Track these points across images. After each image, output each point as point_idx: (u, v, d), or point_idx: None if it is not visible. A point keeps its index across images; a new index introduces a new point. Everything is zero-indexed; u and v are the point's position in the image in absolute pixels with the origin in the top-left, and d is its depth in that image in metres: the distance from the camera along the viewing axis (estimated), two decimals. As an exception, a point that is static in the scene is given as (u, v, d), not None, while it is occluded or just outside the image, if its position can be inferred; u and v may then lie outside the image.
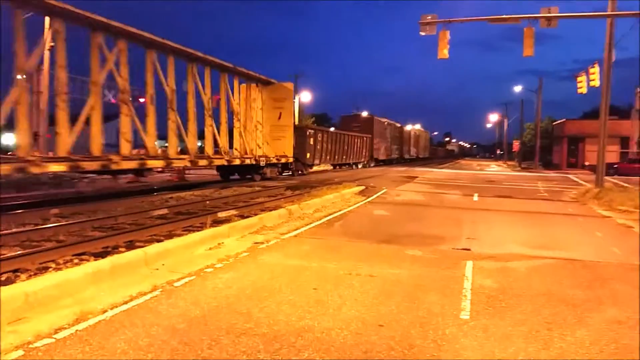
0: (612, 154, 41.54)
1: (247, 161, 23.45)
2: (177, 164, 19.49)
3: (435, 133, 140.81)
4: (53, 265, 7.12)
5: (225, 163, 21.89)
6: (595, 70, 24.05)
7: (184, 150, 19.90)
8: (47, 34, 13.69)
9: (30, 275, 6.51)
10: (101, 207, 12.81)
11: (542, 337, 4.91)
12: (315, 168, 34.69)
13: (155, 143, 17.77)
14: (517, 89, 62.59)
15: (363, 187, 20.83)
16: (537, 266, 7.95)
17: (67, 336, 4.64)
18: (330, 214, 13.39)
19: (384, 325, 5.15)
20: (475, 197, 19.15)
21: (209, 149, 20.89)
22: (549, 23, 18.36)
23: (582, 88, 26.54)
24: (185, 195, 16.66)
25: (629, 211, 14.67)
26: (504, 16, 19.29)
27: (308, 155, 32.09)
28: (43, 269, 6.89)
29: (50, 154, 15.19)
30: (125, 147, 15.68)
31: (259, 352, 4.39)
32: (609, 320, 5.44)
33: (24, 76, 12.36)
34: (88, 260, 7.22)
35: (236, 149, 23.90)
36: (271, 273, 7.11)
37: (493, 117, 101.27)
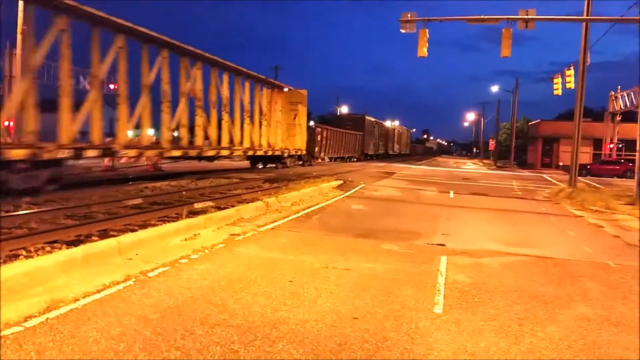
0: (585, 155, 42.41)
1: (271, 152, 29.15)
2: (236, 153, 25.58)
3: (414, 130, 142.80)
4: (24, 252, 6.96)
5: (262, 154, 28.16)
6: (571, 72, 24.51)
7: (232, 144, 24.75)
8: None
9: (0, 263, 6.36)
10: (74, 196, 12.57)
11: (513, 332, 5.00)
12: (315, 161, 38.83)
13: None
14: (494, 89, 63.62)
15: (341, 182, 20.87)
16: (510, 263, 8.08)
17: (37, 324, 4.55)
18: (307, 208, 13.39)
19: (359, 318, 5.18)
20: (451, 194, 19.36)
21: (247, 144, 26.09)
22: (526, 25, 18.59)
23: (558, 90, 27.01)
24: (160, 185, 16.47)
25: (600, 211, 15.02)
26: (482, 16, 19.47)
27: (316, 149, 38.85)
28: (13, 257, 6.73)
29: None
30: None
31: (233, 343, 4.38)
32: (578, 317, 5.57)
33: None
34: (60, 249, 7.08)
35: (263, 144, 28.44)
36: (247, 265, 7.08)
37: (470, 116, 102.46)
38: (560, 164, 47.36)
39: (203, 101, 21.72)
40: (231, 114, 24.43)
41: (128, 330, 4.54)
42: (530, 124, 65.08)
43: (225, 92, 23.75)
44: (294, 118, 32.59)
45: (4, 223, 8.76)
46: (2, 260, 6.50)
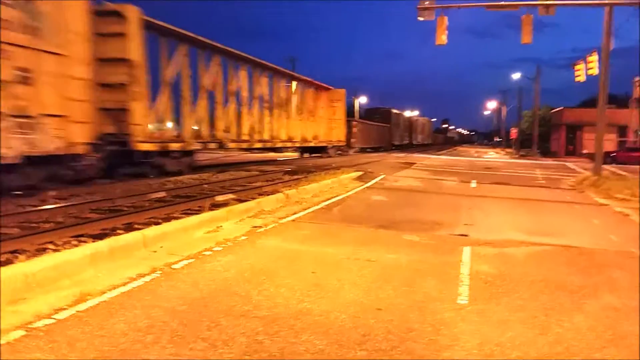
0: (610, 143, 41.60)
1: (317, 144, 35.78)
2: (294, 145, 32.51)
3: (434, 120, 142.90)
4: (51, 246, 7.11)
5: (311, 145, 34.95)
6: (594, 58, 23.99)
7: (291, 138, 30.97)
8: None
9: (29, 257, 6.50)
10: (99, 190, 12.77)
11: (540, 322, 4.95)
12: (351, 151, 43.97)
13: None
14: (516, 76, 62.74)
15: (361, 173, 20.82)
16: (535, 252, 7.99)
17: (67, 317, 4.65)
18: (328, 199, 13.40)
19: (382, 309, 5.17)
20: (473, 184, 19.18)
21: (299, 137, 32.04)
22: (547, 10, 18.26)
23: (581, 76, 26.51)
24: (183, 179, 16.64)
25: (626, 199, 14.72)
26: (501, 3, 19.20)
27: (352, 140, 44.82)
28: (42, 250, 6.88)
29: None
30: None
31: (258, 334, 4.42)
32: (606, 306, 5.48)
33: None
34: (86, 242, 7.22)
35: (311, 137, 34.42)
36: (269, 257, 7.13)
37: (491, 105, 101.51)
38: (585, 151, 46.57)
39: (269, 103, 27.78)
40: (284, 113, 30.26)
41: (155, 322, 4.61)
42: (552, 111, 64.02)
43: (282, 95, 29.88)
44: (334, 114, 39.22)
45: (32, 217, 8.96)
46: (30, 254, 6.66)
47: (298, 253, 7.39)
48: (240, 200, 11.58)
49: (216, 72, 22.09)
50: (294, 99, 31.98)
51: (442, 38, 19.77)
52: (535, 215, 12.10)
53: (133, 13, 15.70)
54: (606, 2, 20.77)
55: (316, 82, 35.93)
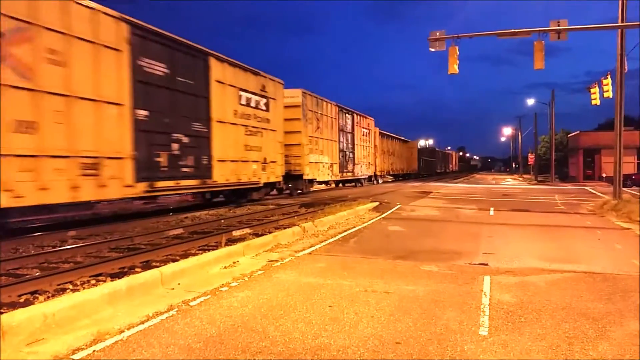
0: (629, 165, 41.07)
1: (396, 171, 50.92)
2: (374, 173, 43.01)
3: (449, 148, 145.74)
4: (70, 286, 7.18)
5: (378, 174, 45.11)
6: (608, 81, 23.90)
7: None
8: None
9: (49, 297, 6.57)
10: (118, 228, 12.90)
11: (563, 351, 4.82)
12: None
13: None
14: (530, 102, 62.91)
15: (377, 203, 20.77)
16: (556, 280, 7.83)
17: (84, 357, 4.67)
18: (344, 231, 13.35)
19: (401, 342, 5.09)
20: (492, 212, 18.98)
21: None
22: (558, 36, 18.32)
23: (596, 100, 26.39)
24: (200, 214, 16.74)
25: (648, 223, 14.43)
26: (513, 30, 19.31)
27: (419, 168, 65.30)
28: (61, 290, 6.95)
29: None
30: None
31: (276, 371, 4.37)
32: (632, 333, 5.33)
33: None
34: (105, 281, 7.28)
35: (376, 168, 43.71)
36: (286, 291, 7.09)
37: (507, 131, 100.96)
38: (604, 175, 45.94)
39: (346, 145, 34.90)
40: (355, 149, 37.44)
41: (172, 361, 4.58)
42: (569, 135, 63.55)
43: (359, 133, 37.59)
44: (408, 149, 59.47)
45: (51, 258, 9.07)
46: (50, 294, 6.72)
47: (315, 287, 7.34)
48: (257, 235, 11.60)
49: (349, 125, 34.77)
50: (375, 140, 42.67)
51: (454, 67, 19.89)
52: (555, 241, 11.90)
53: (303, 105, 26.46)
54: (617, 25, 20.80)
55: (384, 132, 48.63)
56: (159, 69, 14.42)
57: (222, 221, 14.69)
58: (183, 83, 15.54)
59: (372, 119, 41.01)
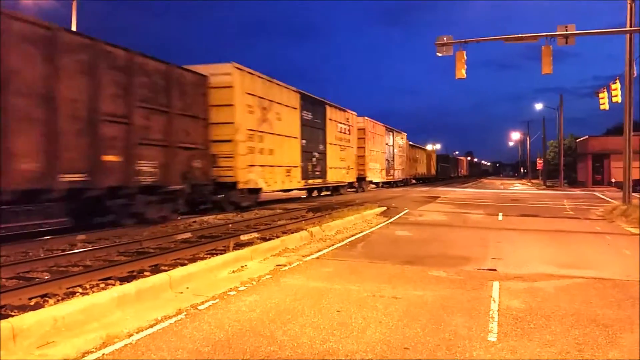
0: (638, 170, 40.67)
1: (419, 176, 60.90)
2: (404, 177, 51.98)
3: (456, 153, 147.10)
4: (80, 290, 7.22)
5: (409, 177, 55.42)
6: (617, 86, 23.75)
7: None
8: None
9: (58, 300, 6.61)
10: (126, 232, 12.96)
11: (573, 358, 4.80)
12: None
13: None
14: (538, 106, 62.19)
15: (385, 208, 20.74)
16: (565, 286, 7.79)
17: (93, 360, 4.69)
18: (352, 236, 13.35)
19: (410, 348, 5.08)
20: (500, 217, 18.90)
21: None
22: (566, 40, 18.23)
23: (605, 104, 26.23)
24: (208, 219, 16.79)
25: (658, 228, 14.31)
26: (520, 35, 19.26)
27: (436, 173, 73.54)
28: (70, 294, 6.99)
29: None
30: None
31: (284, 376, 4.37)
32: (642, 340, 5.28)
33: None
34: (114, 285, 7.32)
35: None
36: (294, 295, 7.10)
37: (515, 135, 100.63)
38: (613, 180, 45.65)
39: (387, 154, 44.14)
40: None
41: (181, 364, 4.60)
42: (578, 140, 63.19)
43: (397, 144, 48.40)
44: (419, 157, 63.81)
45: (61, 261, 9.13)
46: (60, 298, 6.76)
47: (322, 291, 7.34)
48: (265, 239, 11.62)
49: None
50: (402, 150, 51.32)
51: (462, 72, 19.87)
52: (565, 247, 11.83)
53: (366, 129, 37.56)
54: (626, 29, 20.71)
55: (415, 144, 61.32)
56: (308, 115, 25.83)
57: (230, 225, 14.73)
58: (315, 122, 27.13)
59: (405, 133, 52.25)
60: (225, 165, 18.17)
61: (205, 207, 18.21)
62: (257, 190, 20.31)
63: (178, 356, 4.80)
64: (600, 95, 26.45)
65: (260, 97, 20.43)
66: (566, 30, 18.39)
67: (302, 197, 29.37)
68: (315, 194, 30.47)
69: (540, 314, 6.22)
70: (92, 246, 10.78)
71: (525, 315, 6.16)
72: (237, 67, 18.76)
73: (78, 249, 10.47)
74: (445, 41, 19.60)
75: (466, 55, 19.64)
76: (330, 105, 29.15)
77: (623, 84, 22.31)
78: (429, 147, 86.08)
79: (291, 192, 26.66)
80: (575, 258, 10.30)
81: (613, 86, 24.23)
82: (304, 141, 24.91)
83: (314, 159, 26.46)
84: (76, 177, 11.57)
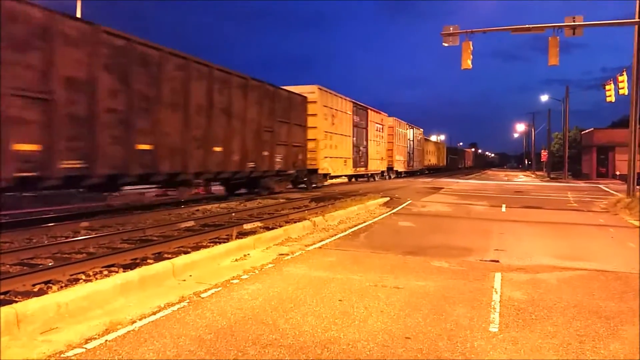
0: (644, 163, 40.46)
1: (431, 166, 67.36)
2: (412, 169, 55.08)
3: (461, 144, 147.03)
4: (83, 277, 7.26)
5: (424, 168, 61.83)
6: (624, 78, 23.65)
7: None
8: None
9: (62, 287, 6.65)
10: (130, 220, 13.01)
11: (574, 350, 4.80)
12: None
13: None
14: (544, 98, 61.85)
15: (388, 199, 20.74)
16: (568, 277, 7.79)
17: (97, 346, 4.72)
18: (354, 226, 13.36)
19: (411, 337, 5.10)
20: (503, 208, 18.88)
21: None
22: (573, 32, 18.13)
23: (611, 97, 26.12)
24: (211, 207, 16.83)
25: (662, 221, 14.27)
26: (527, 26, 19.15)
27: (447, 164, 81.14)
28: (74, 281, 7.04)
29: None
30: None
31: (285, 364, 4.39)
32: (644, 333, 5.28)
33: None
34: (117, 272, 7.35)
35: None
36: (296, 284, 7.12)
37: (520, 127, 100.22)
38: (617, 173, 45.49)
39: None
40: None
41: (183, 351, 4.63)
42: (583, 133, 62.91)
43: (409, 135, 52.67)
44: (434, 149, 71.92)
45: (64, 248, 9.17)
46: (63, 284, 6.80)
47: (325, 280, 7.36)
48: (268, 228, 11.64)
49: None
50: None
51: (468, 62, 19.79)
52: (568, 239, 11.82)
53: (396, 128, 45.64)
54: (634, 21, 20.52)
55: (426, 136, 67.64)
56: (356, 118, 33.02)
57: (233, 214, 14.76)
58: (361, 123, 34.50)
59: (421, 129, 59.00)
60: (310, 157, 25.44)
61: (288, 188, 24.66)
62: (326, 175, 28.52)
63: (181, 343, 4.83)
64: (607, 87, 26.34)
65: (330, 107, 28.38)
66: (574, 21, 18.26)
67: (346, 181, 35.76)
68: (353, 180, 36.67)
69: (542, 306, 6.23)
70: (96, 233, 10.83)
71: (527, 307, 6.17)
72: (319, 88, 26.88)
73: (81, 236, 10.51)
74: (451, 31, 19.51)
75: (473, 45, 19.55)
76: (371, 110, 37.20)
77: (630, 76, 22.16)
78: (433, 137, 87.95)
79: (339, 178, 33.43)
80: (578, 250, 10.29)
81: (620, 78, 24.11)
82: (354, 139, 32.84)
83: (360, 152, 34.62)
84: (252, 165, 18.65)
